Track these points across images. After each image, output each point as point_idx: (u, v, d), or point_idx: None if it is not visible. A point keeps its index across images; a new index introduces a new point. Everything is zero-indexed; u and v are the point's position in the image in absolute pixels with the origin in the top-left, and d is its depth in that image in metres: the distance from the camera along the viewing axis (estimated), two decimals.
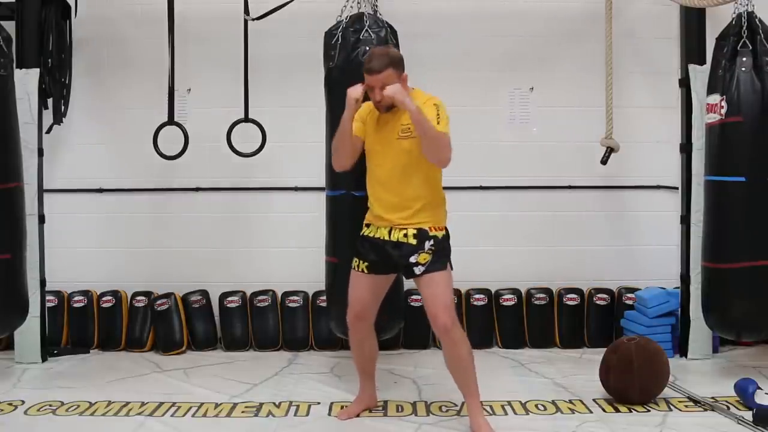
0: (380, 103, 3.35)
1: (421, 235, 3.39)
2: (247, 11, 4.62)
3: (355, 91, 3.36)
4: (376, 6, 4.11)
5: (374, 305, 3.56)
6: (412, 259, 3.38)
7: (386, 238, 3.43)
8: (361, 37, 3.92)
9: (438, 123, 3.29)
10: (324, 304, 4.54)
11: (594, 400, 3.82)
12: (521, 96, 5.18)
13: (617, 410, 3.69)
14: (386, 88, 3.26)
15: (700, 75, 4.51)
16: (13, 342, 4.61)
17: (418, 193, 3.41)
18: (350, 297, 3.56)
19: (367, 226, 3.53)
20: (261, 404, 3.81)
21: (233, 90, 4.75)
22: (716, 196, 4.17)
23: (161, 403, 3.81)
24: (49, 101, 4.83)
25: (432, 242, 3.39)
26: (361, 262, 3.51)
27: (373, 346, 3.67)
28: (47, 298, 4.79)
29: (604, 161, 4.79)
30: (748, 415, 3.52)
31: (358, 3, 4.09)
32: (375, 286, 3.53)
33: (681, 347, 4.65)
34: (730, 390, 3.79)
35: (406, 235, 3.39)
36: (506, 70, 5.14)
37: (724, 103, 4.08)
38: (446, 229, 3.47)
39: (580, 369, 4.42)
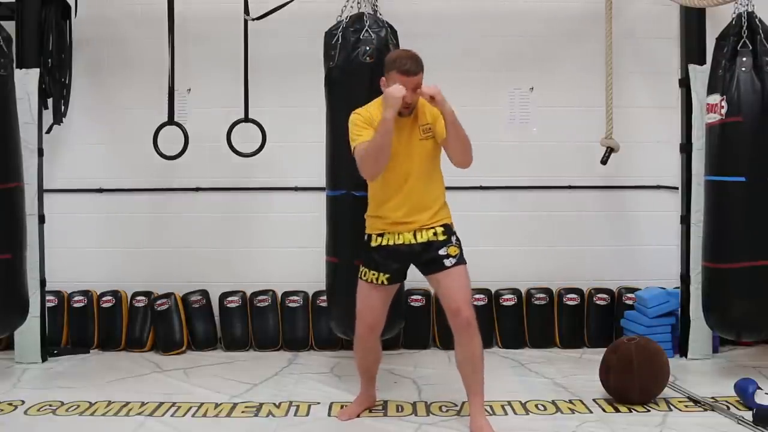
0: (410, 105, 3.33)
1: (447, 229, 3.43)
2: (247, 11, 4.62)
3: (399, 90, 3.22)
4: (376, 6, 4.10)
5: (385, 314, 3.54)
6: (442, 252, 3.38)
7: (412, 241, 3.39)
8: (361, 37, 3.91)
9: None
10: (324, 304, 4.54)
11: (594, 400, 3.82)
12: (521, 96, 5.18)
13: (617, 410, 3.69)
14: (425, 86, 3.25)
15: (700, 75, 4.51)
16: (13, 342, 4.61)
17: (439, 190, 3.47)
18: (362, 309, 3.51)
19: (381, 235, 3.44)
20: (261, 404, 3.81)
21: (233, 90, 4.75)
22: (716, 196, 4.17)
23: (161, 403, 3.81)
24: (49, 101, 4.83)
25: (456, 236, 3.45)
26: (381, 274, 3.43)
27: (378, 353, 3.68)
28: (47, 298, 4.79)
29: (604, 161, 4.79)
30: (748, 415, 3.52)
31: (358, 3, 4.08)
32: (389, 295, 3.52)
33: (681, 347, 4.65)
34: (730, 390, 3.79)
35: (435, 234, 3.40)
36: (506, 70, 5.14)
37: (724, 103, 4.08)
38: None
39: (580, 369, 4.42)
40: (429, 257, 3.40)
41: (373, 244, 3.45)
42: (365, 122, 3.35)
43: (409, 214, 3.38)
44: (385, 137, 3.22)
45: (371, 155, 3.26)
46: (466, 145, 3.36)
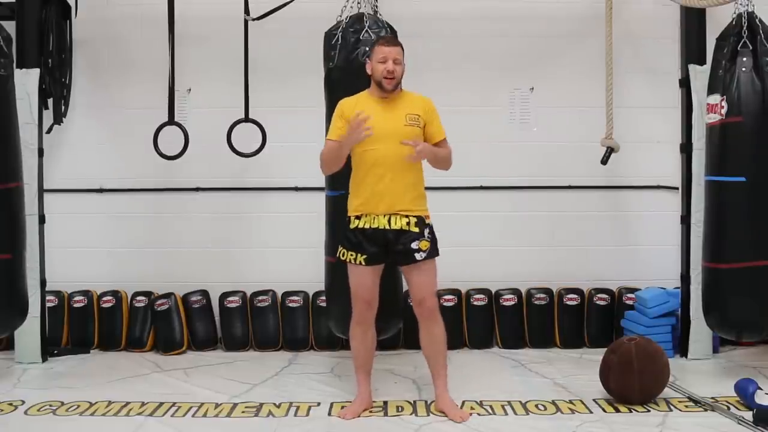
0: (392, 76, 3.50)
1: (420, 222, 3.56)
2: (247, 11, 4.63)
3: (358, 133, 3.41)
4: (376, 6, 4.11)
5: (377, 291, 3.65)
6: (414, 245, 3.52)
7: (386, 226, 3.52)
8: (361, 37, 3.92)
9: (442, 130, 3.62)
10: (324, 304, 4.54)
11: (594, 400, 3.82)
12: (521, 96, 5.18)
13: (617, 410, 3.69)
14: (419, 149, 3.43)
15: (700, 75, 4.51)
16: (13, 342, 4.61)
17: (416, 179, 3.59)
18: (355, 288, 3.61)
19: (358, 217, 3.56)
20: (261, 404, 3.81)
21: (233, 90, 4.76)
22: (716, 196, 4.17)
23: (161, 403, 3.81)
24: (49, 101, 4.83)
25: (428, 230, 3.58)
26: (358, 255, 3.55)
27: (374, 337, 3.75)
28: (47, 298, 4.78)
29: (604, 161, 4.79)
30: (748, 415, 3.52)
31: (358, 3, 4.09)
32: (376, 274, 3.62)
33: (681, 347, 4.65)
34: (730, 390, 3.80)
35: (408, 223, 3.53)
36: (506, 70, 5.14)
37: (724, 104, 4.08)
38: None
39: (580, 369, 4.42)
40: (402, 248, 3.54)
41: (351, 226, 3.58)
42: (340, 115, 3.57)
43: (386, 198, 3.51)
44: (330, 155, 3.54)
45: (323, 162, 3.60)
46: (447, 164, 3.65)
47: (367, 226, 3.54)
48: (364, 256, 3.55)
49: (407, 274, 3.63)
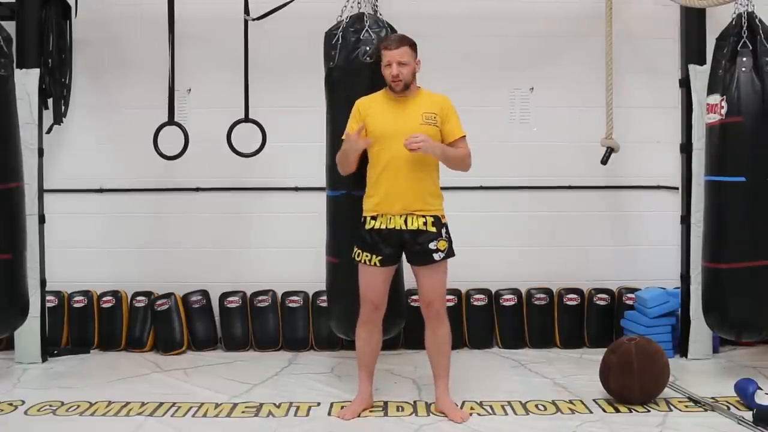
0: (398, 79, 3.49)
1: (437, 222, 3.55)
2: (247, 11, 4.63)
3: (353, 140, 3.47)
4: (376, 6, 4.11)
5: (387, 293, 3.64)
6: (433, 246, 3.51)
7: (403, 227, 3.50)
8: (361, 37, 3.92)
9: (460, 129, 3.60)
10: (324, 304, 4.54)
11: (594, 400, 3.83)
12: (521, 96, 5.18)
13: (617, 410, 3.70)
14: (410, 141, 3.37)
15: (700, 75, 4.51)
16: (13, 342, 4.61)
17: (432, 179, 3.58)
18: (364, 289, 3.61)
19: (374, 218, 3.55)
20: (261, 404, 3.81)
21: (233, 90, 4.75)
22: (716, 196, 4.17)
23: (161, 403, 3.81)
24: (49, 101, 4.83)
25: (445, 230, 3.57)
26: (373, 256, 3.54)
27: (380, 339, 3.74)
28: (47, 298, 4.78)
29: (604, 161, 4.79)
30: (748, 415, 3.52)
31: (359, 3, 4.09)
32: (387, 276, 3.62)
33: (681, 347, 4.65)
34: (730, 390, 3.80)
35: (425, 223, 3.51)
36: (506, 70, 5.14)
37: (724, 104, 4.08)
38: None
39: (580, 369, 4.43)
40: (419, 248, 3.52)
41: (367, 226, 3.57)
42: (354, 115, 3.59)
43: (402, 198, 3.49)
44: (341, 157, 3.58)
45: (338, 163, 3.64)
46: (462, 165, 3.63)
47: (383, 226, 3.52)
48: (379, 258, 3.54)
49: (419, 273, 3.60)
